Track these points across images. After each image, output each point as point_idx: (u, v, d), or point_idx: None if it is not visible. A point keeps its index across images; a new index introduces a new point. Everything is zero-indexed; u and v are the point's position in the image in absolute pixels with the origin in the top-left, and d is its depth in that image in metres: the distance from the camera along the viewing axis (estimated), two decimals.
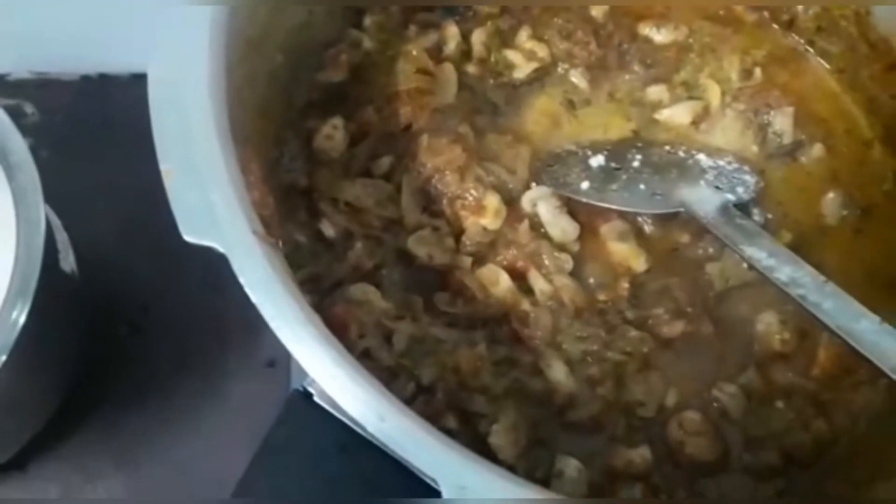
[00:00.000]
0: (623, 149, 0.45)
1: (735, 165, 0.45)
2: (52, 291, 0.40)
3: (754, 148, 0.47)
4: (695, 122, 0.47)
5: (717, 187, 0.43)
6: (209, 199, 0.27)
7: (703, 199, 0.43)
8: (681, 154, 0.45)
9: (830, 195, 0.46)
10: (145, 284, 0.53)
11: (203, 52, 0.28)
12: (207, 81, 0.28)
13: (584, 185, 0.44)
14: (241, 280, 0.26)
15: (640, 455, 0.38)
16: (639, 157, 0.45)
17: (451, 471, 0.24)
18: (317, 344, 0.26)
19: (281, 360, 0.53)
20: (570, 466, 0.37)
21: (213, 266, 0.54)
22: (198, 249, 0.55)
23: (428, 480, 0.26)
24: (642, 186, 0.44)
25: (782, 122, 0.46)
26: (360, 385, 0.25)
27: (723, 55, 0.48)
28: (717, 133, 0.47)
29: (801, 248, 0.42)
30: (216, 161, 0.27)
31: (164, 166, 0.27)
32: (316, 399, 0.28)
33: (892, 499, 0.30)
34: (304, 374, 0.50)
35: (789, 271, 0.39)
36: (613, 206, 0.43)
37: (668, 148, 0.45)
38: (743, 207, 0.43)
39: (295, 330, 0.26)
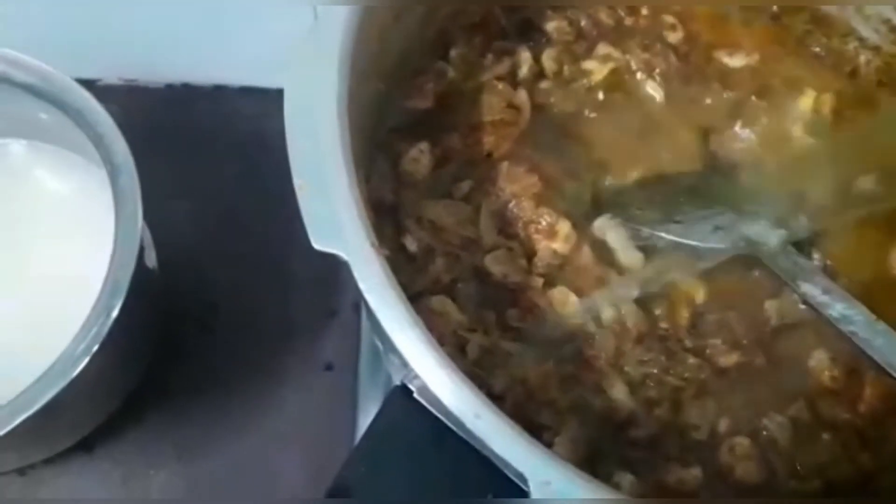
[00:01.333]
0: (689, 182, 0.48)
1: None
2: (138, 286, 0.43)
3: None
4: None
5: (776, 224, 0.45)
6: (335, 213, 0.30)
7: (762, 235, 0.45)
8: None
9: None
10: (216, 286, 0.56)
11: (334, 80, 0.32)
12: (337, 107, 0.31)
13: (649, 215, 0.46)
14: (361, 286, 0.29)
15: (692, 475, 0.41)
16: (703, 191, 0.47)
17: (537, 467, 0.27)
18: (423, 345, 0.29)
19: (337, 364, 0.56)
20: (626, 480, 0.39)
21: (280, 272, 0.58)
22: (265, 257, 0.58)
23: (511, 475, 0.29)
24: (704, 220, 0.46)
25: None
26: (459, 385, 0.28)
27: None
28: None
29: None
30: (342, 179, 0.31)
31: (298, 181, 0.30)
32: (415, 395, 0.30)
33: None
34: (371, 374, 0.53)
35: (841, 308, 0.41)
36: (676, 239, 0.45)
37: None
38: (801, 247, 0.45)
39: (406, 331, 0.29)
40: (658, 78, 0.49)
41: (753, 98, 0.50)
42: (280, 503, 0.51)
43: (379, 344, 0.47)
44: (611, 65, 0.48)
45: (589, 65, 0.49)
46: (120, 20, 0.62)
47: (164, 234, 0.51)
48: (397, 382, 0.31)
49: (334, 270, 0.57)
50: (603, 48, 0.49)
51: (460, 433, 0.29)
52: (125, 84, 0.61)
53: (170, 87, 0.62)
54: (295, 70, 0.32)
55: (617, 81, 0.49)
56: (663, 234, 0.45)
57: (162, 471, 0.52)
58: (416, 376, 0.28)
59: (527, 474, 0.27)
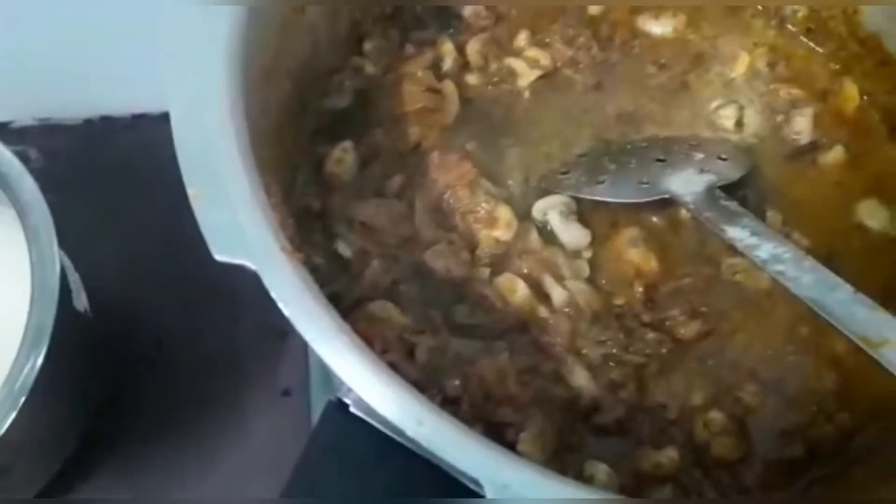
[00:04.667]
0: (616, 144, 0.46)
1: (725, 148, 0.46)
2: (67, 331, 0.41)
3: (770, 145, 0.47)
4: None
5: (703, 170, 0.43)
6: (237, 219, 0.27)
7: (688, 182, 0.43)
8: (670, 143, 0.46)
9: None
10: (157, 320, 0.54)
11: (222, 80, 0.29)
12: (228, 107, 0.29)
13: (573, 178, 0.44)
14: (273, 295, 0.26)
15: (668, 456, 0.38)
16: (628, 147, 0.46)
17: (493, 470, 0.24)
18: (351, 353, 0.26)
19: (295, 389, 0.54)
20: (600, 471, 0.37)
21: (223, 299, 0.55)
22: (206, 283, 0.56)
23: (467, 482, 0.26)
24: (629, 177, 0.44)
25: (801, 122, 0.47)
26: (397, 391, 0.26)
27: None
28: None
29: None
30: (241, 182, 0.28)
31: (191, 190, 0.27)
32: (352, 409, 0.28)
33: None
34: (322, 397, 0.50)
35: (770, 248, 0.39)
36: (602, 199, 0.43)
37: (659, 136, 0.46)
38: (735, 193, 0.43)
39: (330, 341, 0.26)
40: (585, 71, 0.48)
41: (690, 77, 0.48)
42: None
43: None
44: (537, 71, 0.47)
45: (516, 65, 0.47)
46: (27, 58, 0.60)
47: (96, 274, 0.49)
48: (332, 398, 0.28)
49: None
50: (527, 46, 0.48)
51: (406, 443, 0.27)
52: (40, 124, 0.59)
53: (87, 122, 0.60)
54: (181, 71, 0.29)
55: (544, 80, 0.48)
56: (589, 196, 0.43)
57: None
58: (350, 389, 0.26)
59: (482, 479, 0.24)
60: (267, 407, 0.53)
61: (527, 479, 0.24)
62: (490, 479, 0.24)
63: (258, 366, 0.53)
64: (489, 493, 0.24)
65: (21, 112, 0.58)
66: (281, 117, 0.39)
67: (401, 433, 0.26)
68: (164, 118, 0.60)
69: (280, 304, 0.26)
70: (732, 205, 0.42)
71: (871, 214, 0.46)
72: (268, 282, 0.26)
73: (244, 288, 0.55)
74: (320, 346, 0.26)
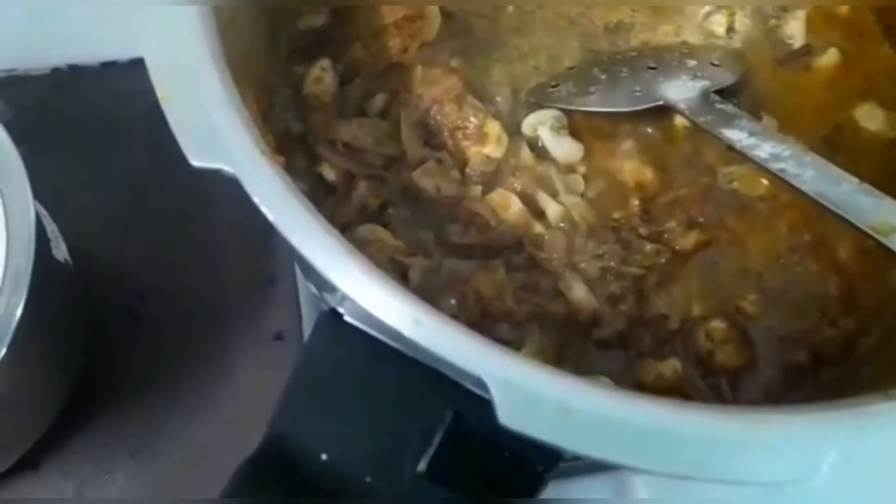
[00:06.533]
0: (605, 55, 0.45)
1: (717, 54, 0.45)
2: (47, 281, 0.39)
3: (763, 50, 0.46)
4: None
5: (696, 76, 0.43)
6: (212, 122, 0.26)
7: (682, 88, 0.42)
8: (661, 51, 0.45)
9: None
10: (140, 271, 0.52)
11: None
12: (197, 13, 0.27)
13: (563, 90, 0.43)
14: (256, 199, 0.25)
15: (671, 367, 0.38)
16: (618, 57, 0.45)
17: (495, 366, 0.23)
18: (343, 255, 0.25)
19: (287, 333, 0.52)
20: (602, 383, 0.36)
21: (207, 244, 0.54)
22: (189, 231, 0.54)
23: (470, 385, 0.25)
24: (620, 86, 0.43)
25: (794, 25, 0.46)
26: (392, 292, 0.24)
27: None
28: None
29: None
30: (214, 84, 0.26)
31: (161, 92, 0.25)
32: (346, 318, 0.26)
33: None
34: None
35: (769, 147, 0.39)
36: (595, 109, 0.42)
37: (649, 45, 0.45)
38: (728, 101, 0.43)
39: (318, 241, 0.25)
40: None
41: None
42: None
43: (301, 277, 0.43)
44: None
45: None
46: None
47: (75, 226, 0.47)
48: (325, 307, 0.27)
49: (266, 235, 0.54)
50: None
51: (406, 351, 0.26)
52: (6, 75, 0.57)
53: (56, 72, 0.57)
54: None
55: None
56: (581, 108, 0.42)
57: (118, 474, 0.49)
58: (343, 295, 0.25)
59: (483, 376, 0.23)
60: (259, 352, 0.51)
61: (531, 372, 0.23)
62: (493, 375, 0.23)
63: (247, 313, 0.52)
64: (494, 391, 0.23)
65: None
66: (253, 31, 0.37)
67: (399, 337, 0.24)
68: (134, 65, 0.59)
69: (263, 208, 0.25)
70: (729, 107, 0.41)
71: (869, 117, 0.45)
72: (248, 186, 0.25)
73: (228, 235, 0.54)
74: (309, 249, 0.24)
